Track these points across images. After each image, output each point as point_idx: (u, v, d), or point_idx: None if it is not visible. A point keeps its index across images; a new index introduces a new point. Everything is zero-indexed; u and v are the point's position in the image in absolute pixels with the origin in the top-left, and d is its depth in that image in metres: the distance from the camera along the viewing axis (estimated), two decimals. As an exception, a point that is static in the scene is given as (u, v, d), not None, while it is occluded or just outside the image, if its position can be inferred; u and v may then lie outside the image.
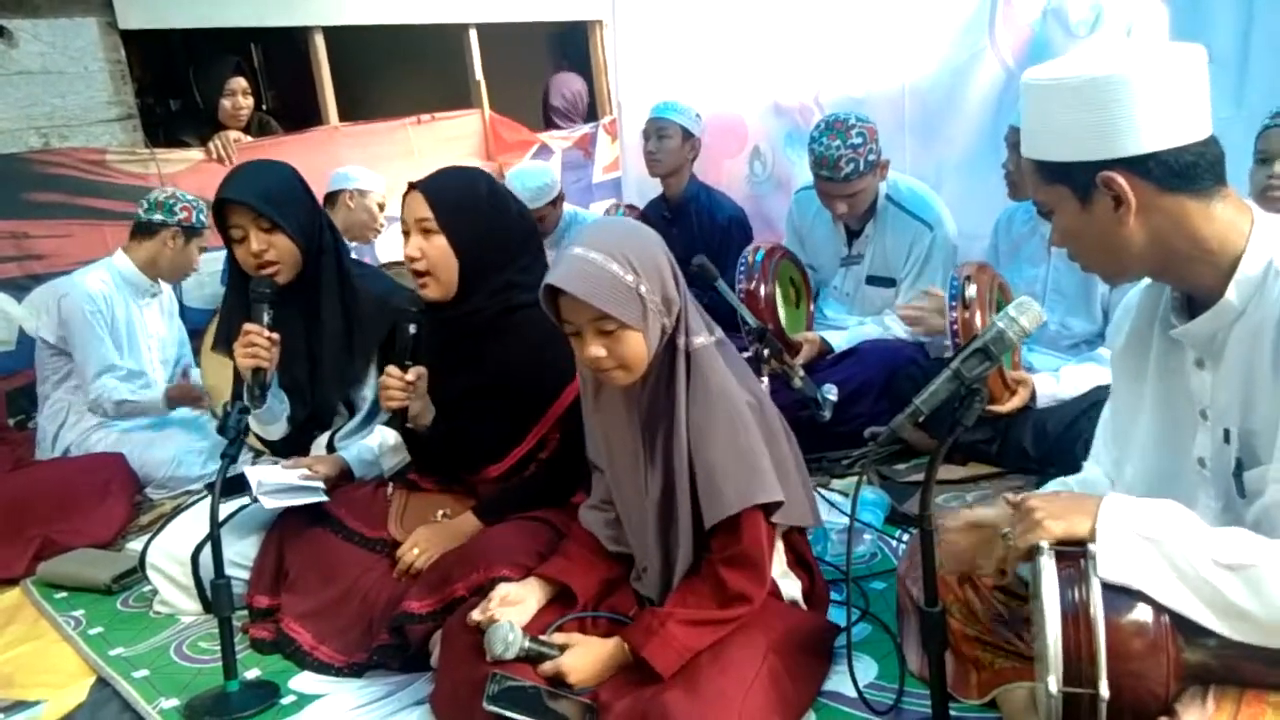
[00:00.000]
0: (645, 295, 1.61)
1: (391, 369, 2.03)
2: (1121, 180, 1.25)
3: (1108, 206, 1.27)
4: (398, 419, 2.09)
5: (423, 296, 2.09)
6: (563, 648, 1.68)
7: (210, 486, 1.96)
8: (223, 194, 2.26)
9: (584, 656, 1.65)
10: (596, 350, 1.62)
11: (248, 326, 2.17)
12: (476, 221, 2.05)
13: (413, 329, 2.03)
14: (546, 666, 1.64)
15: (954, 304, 2.51)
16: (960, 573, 1.57)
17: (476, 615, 1.70)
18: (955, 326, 2.49)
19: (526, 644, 1.66)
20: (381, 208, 3.95)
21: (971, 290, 2.50)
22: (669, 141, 3.77)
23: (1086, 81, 1.25)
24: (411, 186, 2.07)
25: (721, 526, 1.63)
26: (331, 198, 3.81)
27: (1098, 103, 1.24)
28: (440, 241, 2.03)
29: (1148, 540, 1.23)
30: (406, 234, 2.06)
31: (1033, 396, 2.54)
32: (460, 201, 2.05)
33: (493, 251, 2.06)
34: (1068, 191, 1.30)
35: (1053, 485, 1.63)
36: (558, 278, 1.59)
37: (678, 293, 1.68)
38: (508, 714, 1.56)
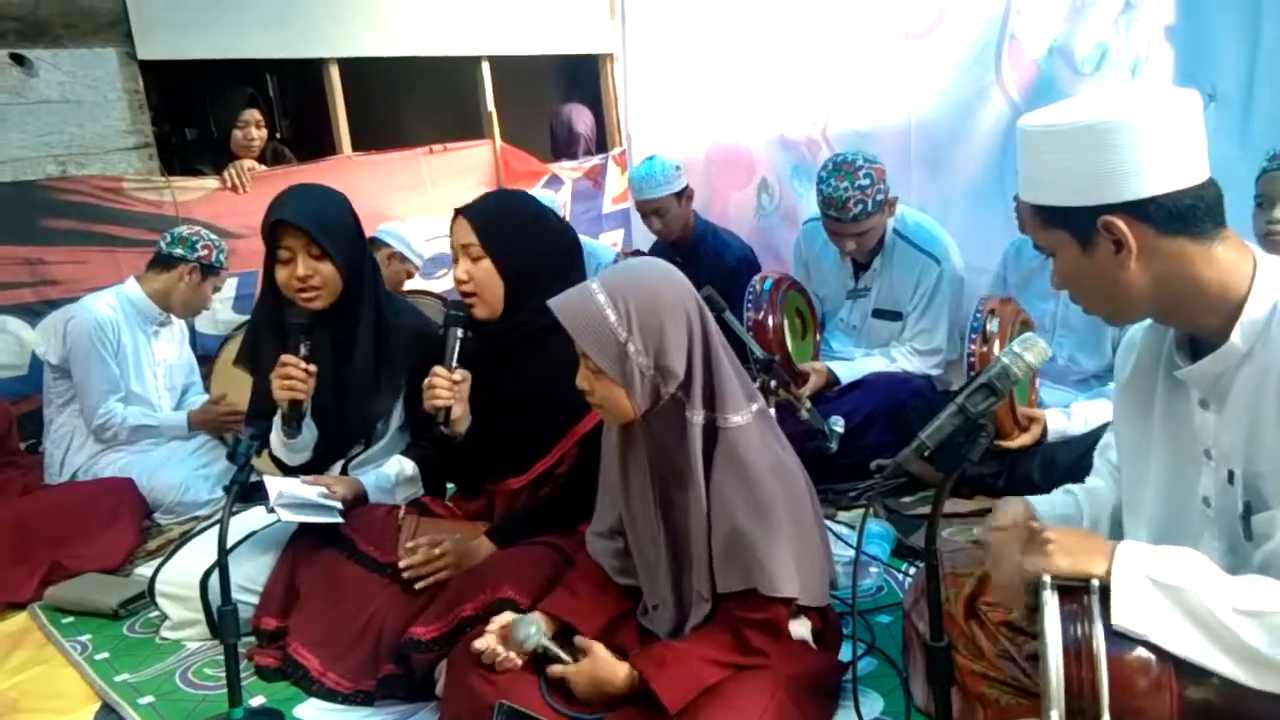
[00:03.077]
0: (632, 355, 1.60)
1: (439, 369, 2.09)
2: (1122, 224, 1.26)
3: (1109, 251, 1.28)
4: (442, 416, 2.10)
5: (473, 316, 2.15)
6: (577, 657, 1.68)
7: (227, 489, 1.96)
8: (279, 215, 2.27)
9: (593, 672, 1.64)
10: (582, 381, 1.65)
11: (285, 358, 2.20)
12: (519, 243, 2.11)
13: (460, 333, 2.11)
14: (555, 669, 1.64)
15: (974, 337, 2.51)
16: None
17: (480, 644, 1.71)
18: (973, 360, 2.49)
19: (545, 643, 1.67)
20: (410, 275, 4.05)
21: (993, 324, 2.50)
22: (669, 214, 3.76)
23: (1085, 127, 1.26)
24: (458, 213, 2.14)
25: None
26: (373, 242, 3.86)
27: (1097, 148, 1.25)
28: (486, 264, 2.10)
29: (1164, 587, 1.22)
30: (456, 259, 2.13)
31: (1043, 433, 2.54)
32: (503, 225, 2.12)
33: (536, 271, 2.10)
34: (1068, 236, 1.31)
35: (1057, 492, 1.62)
36: (556, 301, 1.63)
37: (691, 366, 1.63)
38: None
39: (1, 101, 3.70)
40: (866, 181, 2.96)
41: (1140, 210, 1.25)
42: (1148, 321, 1.46)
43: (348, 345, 2.37)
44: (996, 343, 2.47)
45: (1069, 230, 1.31)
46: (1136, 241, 1.26)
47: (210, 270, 3.29)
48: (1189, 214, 1.25)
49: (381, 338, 2.38)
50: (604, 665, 1.66)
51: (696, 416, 1.64)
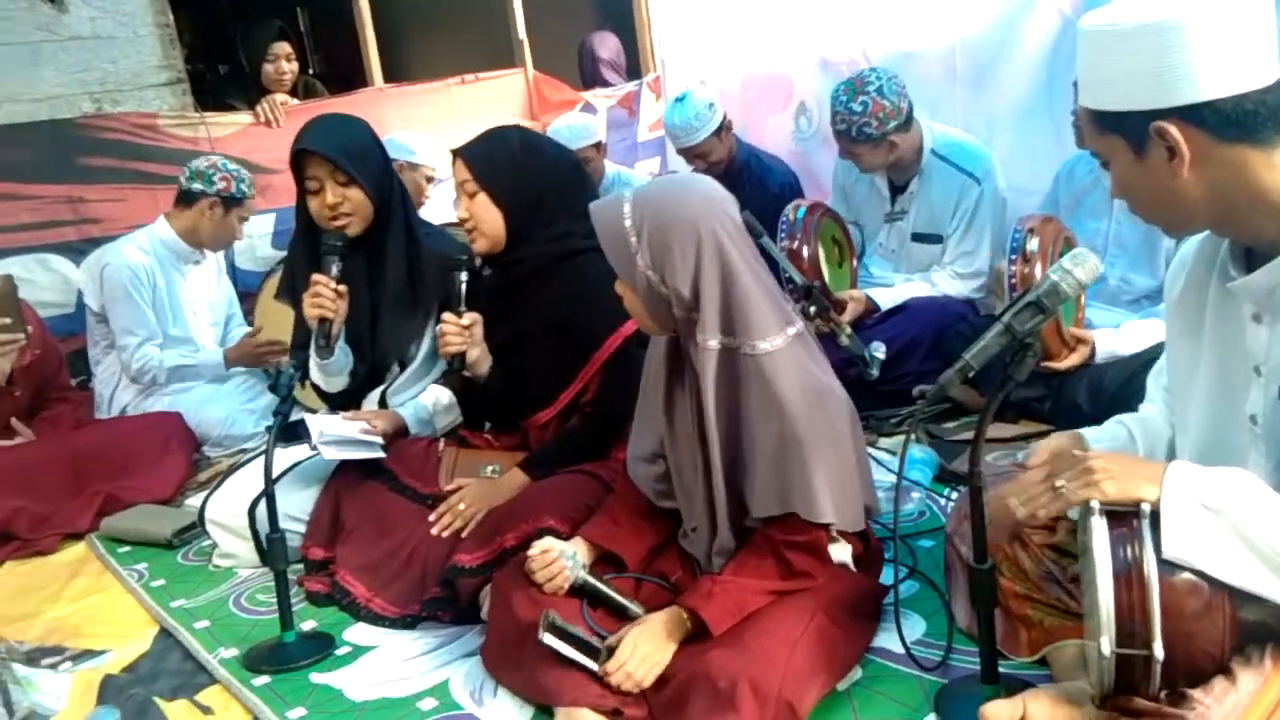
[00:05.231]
0: (639, 264, 1.61)
1: (448, 315, 2.14)
2: (1175, 130, 1.21)
3: (1162, 157, 1.23)
4: (458, 363, 2.14)
5: (475, 250, 2.21)
6: (612, 588, 1.70)
7: (269, 430, 2.00)
8: (302, 145, 2.29)
9: (646, 634, 1.61)
10: (617, 286, 1.68)
11: (316, 278, 2.24)
12: (512, 174, 2.15)
13: (463, 277, 2.16)
14: (610, 665, 1.59)
15: (1014, 258, 2.45)
16: (1011, 529, 1.54)
17: (540, 545, 1.73)
18: (1014, 281, 2.43)
19: (583, 575, 1.69)
20: (430, 180, 3.96)
21: (1033, 244, 2.43)
22: (711, 154, 3.65)
23: (1141, 27, 1.20)
24: (454, 153, 2.19)
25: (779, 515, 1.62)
26: None
27: (1152, 49, 1.20)
28: (482, 199, 2.15)
29: (1215, 512, 1.20)
30: (459, 198, 2.19)
31: (1092, 353, 2.49)
32: (493, 159, 2.16)
33: (534, 199, 2.15)
34: (1122, 142, 1.27)
35: (1109, 423, 1.59)
36: (594, 203, 1.68)
37: (698, 289, 1.60)
38: (559, 648, 1.59)
39: (35, 39, 3.70)
40: (862, 107, 2.87)
41: (1195, 115, 1.20)
42: (1202, 235, 1.41)
43: (380, 269, 2.39)
44: (1037, 262, 2.41)
45: (1122, 136, 1.26)
46: (1190, 148, 1.21)
47: (232, 201, 3.24)
48: (1249, 119, 1.19)
49: (412, 259, 2.40)
50: (649, 630, 1.62)
51: (711, 341, 1.62)
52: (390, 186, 2.39)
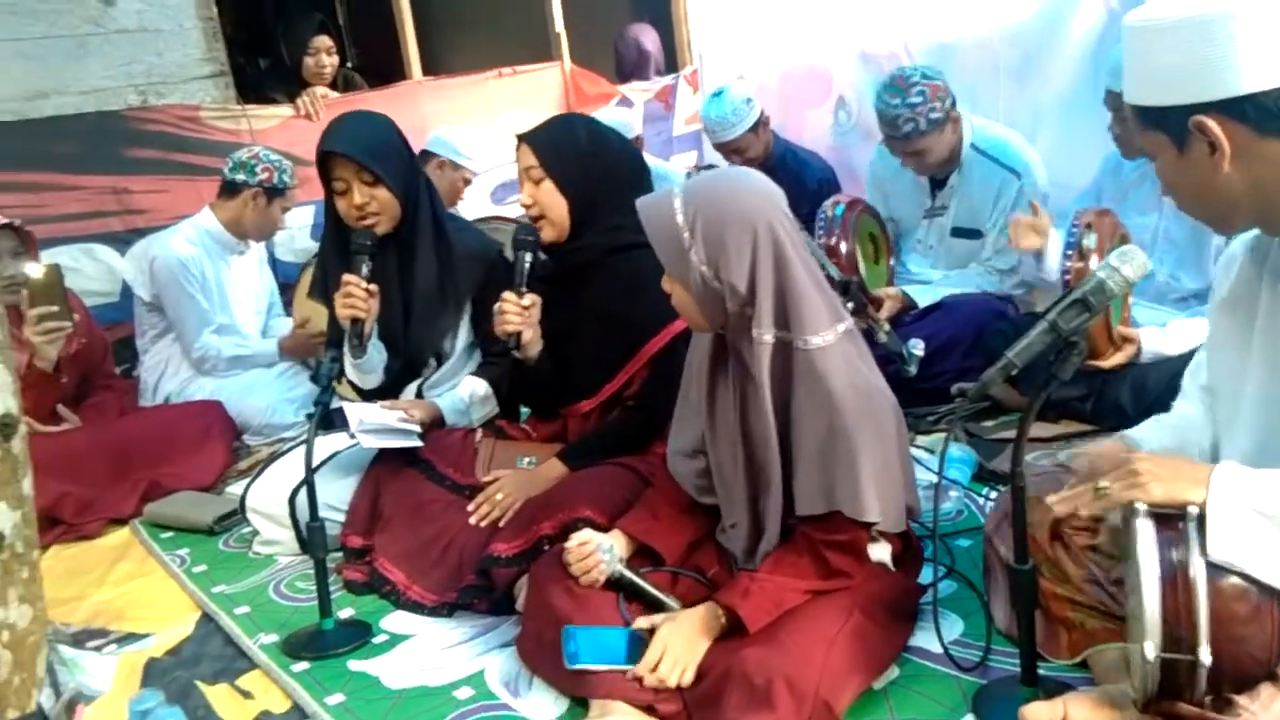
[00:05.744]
0: (693, 260, 1.59)
1: (508, 294, 2.11)
2: (1214, 125, 1.19)
3: (1204, 153, 1.22)
4: (514, 341, 2.12)
5: (541, 239, 2.17)
6: (649, 583, 1.69)
7: (309, 417, 2.02)
8: (326, 146, 2.30)
9: (678, 633, 1.61)
10: (665, 283, 1.66)
11: (347, 278, 2.24)
12: (579, 163, 2.14)
13: (529, 257, 2.14)
14: (640, 667, 1.59)
15: (1070, 253, 2.41)
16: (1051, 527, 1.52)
17: (578, 537, 1.74)
18: (1068, 277, 2.39)
19: (619, 569, 1.69)
20: (467, 183, 3.98)
21: (1090, 239, 2.38)
22: (748, 150, 3.63)
23: (1182, 21, 1.19)
24: (520, 138, 2.17)
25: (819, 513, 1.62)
26: (424, 156, 3.85)
27: (1193, 43, 1.18)
28: (548, 186, 2.13)
29: (1264, 515, 1.18)
30: (521, 184, 2.17)
31: (1137, 352, 2.44)
32: (562, 147, 2.15)
33: (598, 190, 2.13)
34: (1165, 138, 1.26)
35: (1148, 423, 1.57)
36: (642, 199, 1.65)
37: (754, 283, 1.59)
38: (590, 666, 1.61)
39: (83, 32, 3.76)
40: (919, 99, 2.85)
41: (1236, 109, 1.18)
42: (1252, 232, 1.38)
43: (410, 266, 2.40)
44: (1094, 258, 2.36)
45: (1165, 132, 1.25)
46: (1231, 143, 1.20)
47: (275, 192, 3.28)
48: None
49: (442, 254, 2.41)
50: (684, 624, 1.62)
51: (766, 335, 1.61)
52: (416, 182, 2.39)
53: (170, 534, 2.68)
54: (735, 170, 1.89)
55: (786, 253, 1.61)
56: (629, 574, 1.72)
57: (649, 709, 1.59)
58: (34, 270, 2.61)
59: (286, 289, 3.77)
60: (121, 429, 3.02)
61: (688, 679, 1.58)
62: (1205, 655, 1.17)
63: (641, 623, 1.65)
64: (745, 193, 1.64)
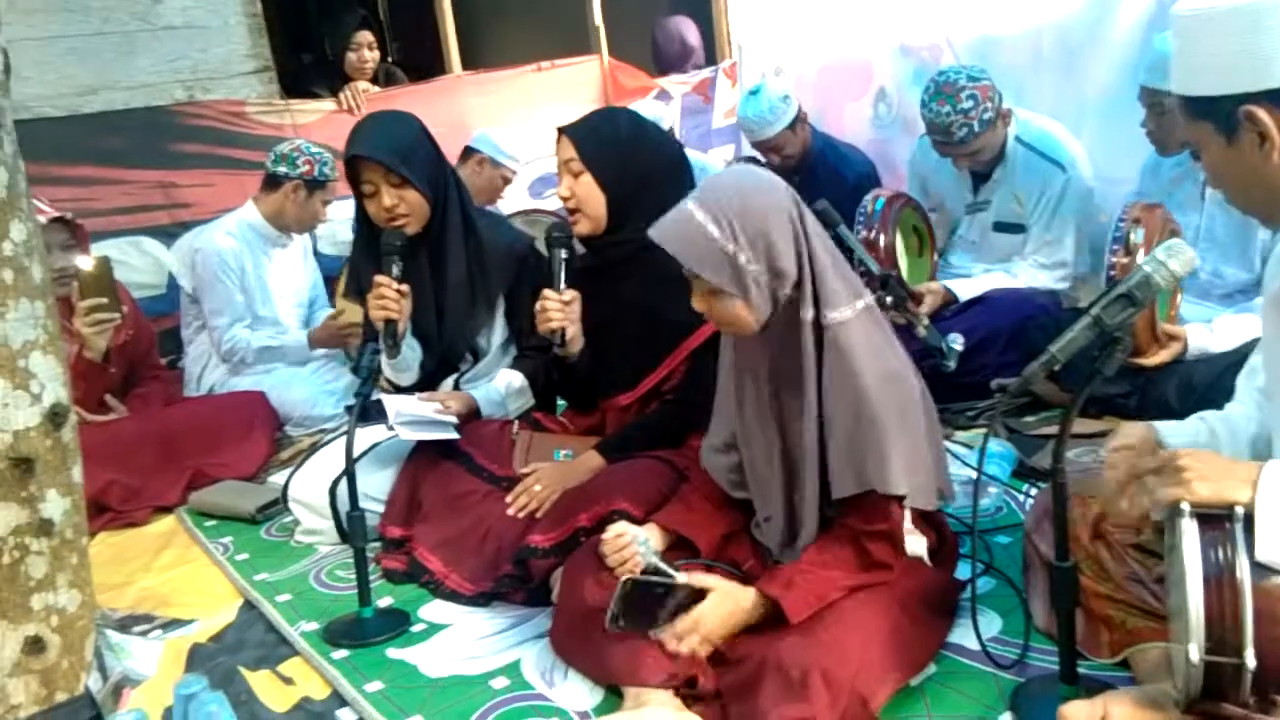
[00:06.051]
0: (744, 265, 1.58)
1: (549, 292, 2.12)
2: (1264, 115, 1.17)
3: (1253, 143, 1.20)
4: (558, 338, 2.13)
5: (575, 232, 2.18)
6: (682, 575, 1.68)
7: (349, 410, 2.04)
8: (354, 150, 2.31)
9: (721, 606, 1.61)
10: (699, 304, 1.65)
11: (378, 279, 2.25)
12: (618, 157, 2.13)
13: (564, 254, 2.14)
14: (685, 624, 1.60)
15: (1116, 248, 2.37)
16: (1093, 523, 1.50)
17: (615, 528, 1.75)
18: (1113, 272, 2.35)
19: (654, 560, 1.69)
20: (507, 181, 4.00)
21: (1138, 235, 2.34)
22: (785, 148, 3.59)
23: (1231, 10, 1.17)
24: (560, 130, 2.17)
25: (857, 498, 1.61)
26: (466, 153, 3.88)
27: (1243, 31, 1.16)
28: (586, 179, 2.13)
29: None
30: (560, 176, 2.17)
31: (1183, 350, 2.39)
32: (601, 140, 2.14)
33: (638, 183, 2.12)
34: (1212, 128, 1.24)
35: (1191, 420, 1.54)
36: (656, 229, 1.60)
37: (800, 264, 1.60)
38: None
39: (131, 28, 3.84)
40: (970, 104, 2.82)
41: None
42: (1305, 225, 1.35)
43: (441, 264, 2.41)
44: (1141, 253, 2.32)
45: (1212, 122, 1.23)
46: None
47: (316, 184, 3.32)
48: None
49: (472, 252, 2.42)
50: (729, 598, 1.62)
51: (808, 314, 1.62)
52: (444, 181, 2.40)
53: (214, 522, 2.72)
54: (735, 170, 1.89)
55: (810, 230, 1.64)
56: (664, 566, 1.72)
57: (683, 697, 1.59)
58: (84, 263, 2.67)
59: (329, 282, 3.82)
60: (167, 419, 3.07)
61: (704, 651, 1.59)
62: (1250, 658, 1.15)
63: (693, 579, 1.64)
64: (761, 185, 1.65)
